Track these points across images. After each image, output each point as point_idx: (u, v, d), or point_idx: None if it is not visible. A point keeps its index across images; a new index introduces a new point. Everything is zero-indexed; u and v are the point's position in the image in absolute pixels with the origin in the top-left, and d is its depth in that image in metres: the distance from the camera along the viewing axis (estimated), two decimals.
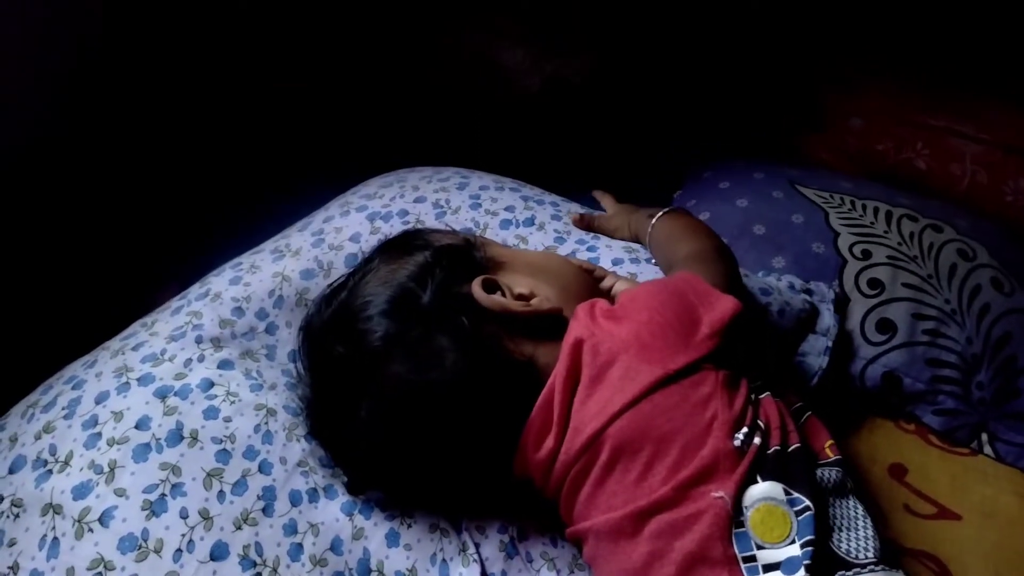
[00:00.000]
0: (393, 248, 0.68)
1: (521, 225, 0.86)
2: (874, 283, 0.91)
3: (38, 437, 0.62)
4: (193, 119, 1.23)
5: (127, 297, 0.89)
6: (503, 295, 0.63)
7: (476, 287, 0.62)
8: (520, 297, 0.64)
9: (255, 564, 0.57)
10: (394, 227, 0.84)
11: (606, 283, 0.75)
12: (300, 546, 0.59)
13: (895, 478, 0.82)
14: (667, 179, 1.14)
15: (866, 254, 0.93)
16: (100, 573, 0.54)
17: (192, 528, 0.57)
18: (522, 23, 1.34)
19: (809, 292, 0.88)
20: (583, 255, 0.83)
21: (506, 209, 0.87)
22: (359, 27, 1.34)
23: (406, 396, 0.58)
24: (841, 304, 0.90)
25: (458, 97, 1.36)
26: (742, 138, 1.24)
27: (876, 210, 0.99)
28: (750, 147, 1.19)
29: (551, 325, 0.62)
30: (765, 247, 0.96)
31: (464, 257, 0.66)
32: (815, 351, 0.83)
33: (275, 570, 0.57)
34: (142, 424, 0.62)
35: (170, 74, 1.19)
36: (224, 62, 1.26)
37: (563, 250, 0.84)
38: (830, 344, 0.83)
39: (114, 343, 0.71)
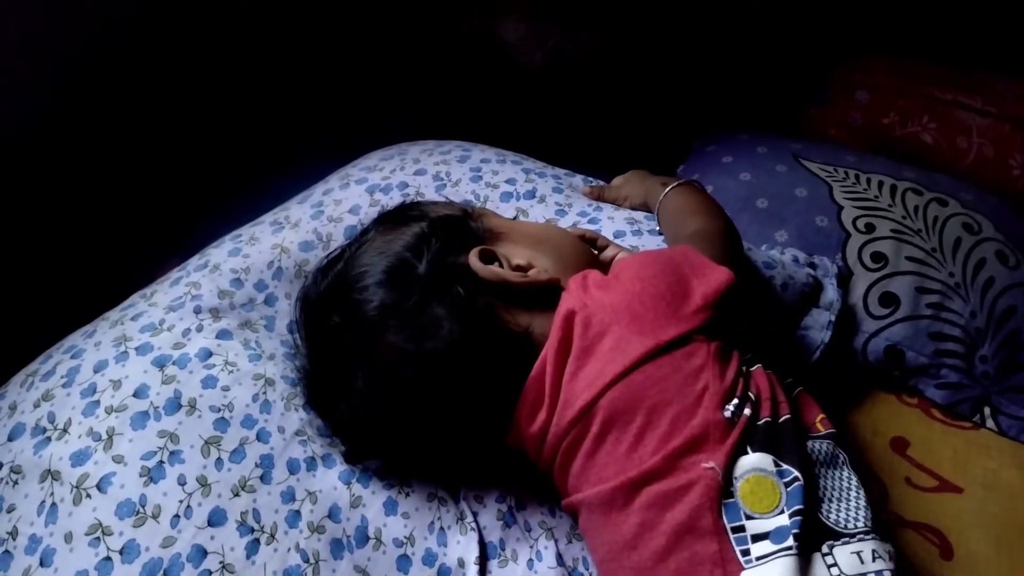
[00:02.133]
0: (390, 219, 0.68)
1: (522, 197, 0.86)
2: (877, 257, 0.90)
3: (37, 405, 0.62)
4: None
5: (129, 272, 0.89)
6: (500, 266, 0.63)
7: (473, 257, 0.62)
8: (518, 268, 0.63)
9: (253, 530, 0.57)
10: (393, 199, 0.83)
11: (607, 254, 0.74)
12: (298, 513, 0.59)
13: (897, 451, 0.82)
14: (671, 153, 1.13)
15: (870, 227, 0.92)
16: (98, 538, 0.54)
17: (190, 494, 0.57)
18: None
19: (813, 266, 0.88)
20: (584, 227, 0.83)
21: (507, 182, 0.87)
22: (360, 2, 1.33)
23: (402, 365, 0.58)
24: (844, 278, 0.89)
25: (460, 71, 1.35)
26: (747, 112, 1.23)
27: (880, 184, 0.98)
28: (755, 121, 1.18)
29: (548, 296, 0.62)
30: (768, 221, 0.95)
31: (461, 228, 0.66)
32: (818, 325, 0.83)
33: (272, 536, 0.57)
34: (140, 392, 0.62)
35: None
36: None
37: (564, 222, 0.84)
38: (833, 318, 0.83)
39: (113, 314, 0.71)
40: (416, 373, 0.58)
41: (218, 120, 1.25)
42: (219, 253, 0.77)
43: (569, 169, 0.95)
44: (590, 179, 0.92)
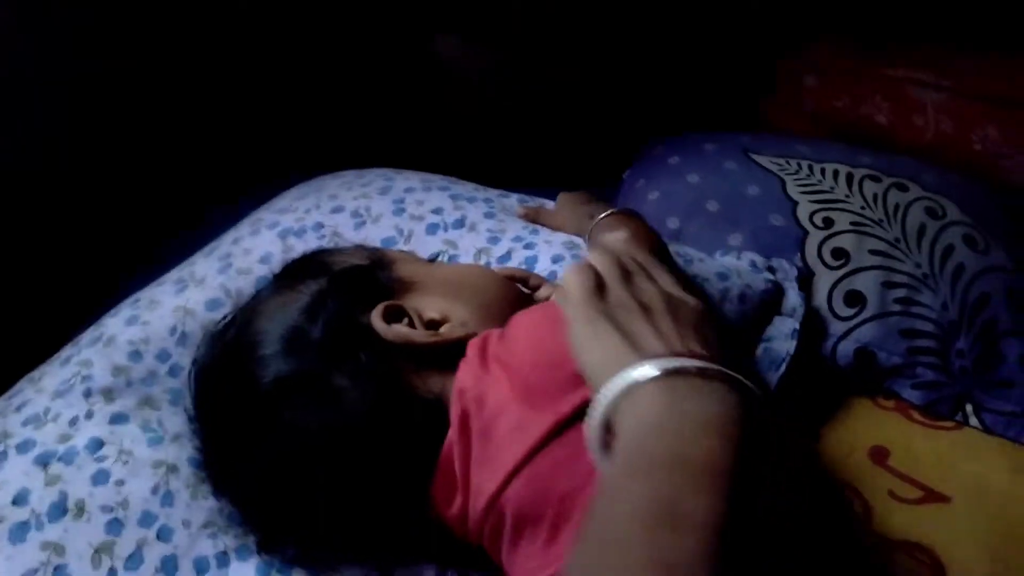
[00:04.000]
0: (287, 276, 0.62)
1: (450, 228, 0.79)
2: (838, 253, 0.84)
3: None
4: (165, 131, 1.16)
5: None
6: (410, 322, 0.56)
7: (376, 317, 0.56)
8: (431, 323, 0.57)
9: None
10: (308, 243, 0.77)
11: (541, 293, 0.67)
12: None
13: (877, 463, 0.76)
14: (618, 157, 1.07)
15: (828, 222, 0.87)
16: None
17: None
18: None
19: (772, 270, 0.82)
20: (520, 254, 0.76)
21: (433, 212, 0.80)
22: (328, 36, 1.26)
23: (303, 442, 0.52)
24: (806, 280, 0.83)
25: (399, 87, 1.29)
26: (695, 110, 1.16)
27: (836, 173, 0.92)
28: (704, 119, 1.12)
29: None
30: (720, 224, 0.89)
31: (366, 281, 0.59)
32: (781, 335, 0.77)
33: None
34: (20, 499, 0.55)
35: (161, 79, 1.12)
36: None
37: (498, 250, 0.77)
38: (797, 326, 0.77)
39: None
40: (320, 449, 0.52)
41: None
42: (115, 323, 0.70)
43: (514, 186, 0.89)
44: (526, 198, 0.85)
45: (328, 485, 0.52)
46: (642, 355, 0.40)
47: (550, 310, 0.55)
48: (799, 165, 0.94)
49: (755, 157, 0.96)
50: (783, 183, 0.92)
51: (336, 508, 0.53)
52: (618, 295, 0.44)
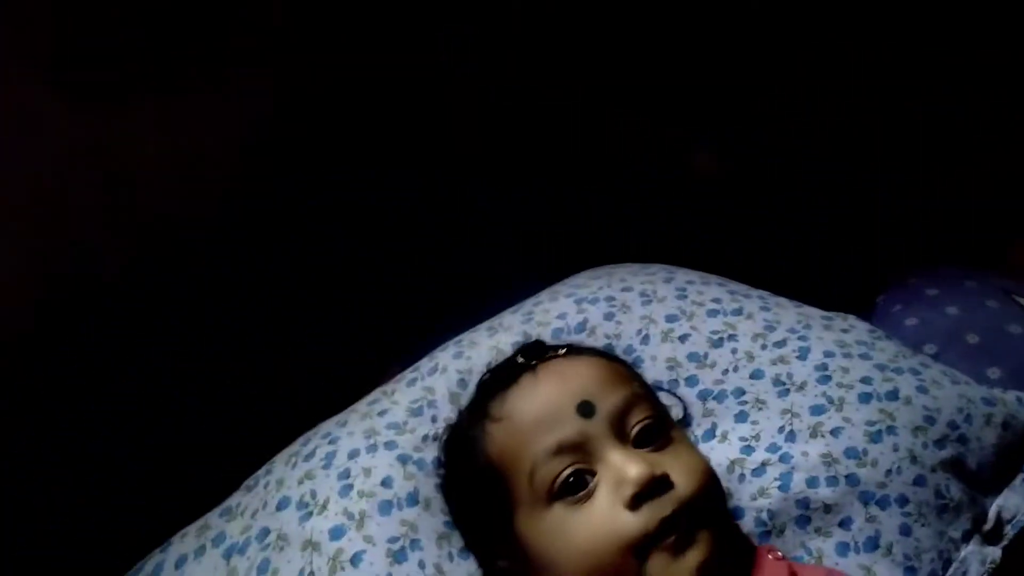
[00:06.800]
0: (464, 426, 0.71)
1: (729, 314, 0.87)
2: None
3: (300, 482, 0.71)
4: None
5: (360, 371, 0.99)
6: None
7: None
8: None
9: None
10: (600, 310, 0.88)
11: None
12: None
13: None
14: (866, 282, 1.12)
15: None
16: None
17: None
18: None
19: None
20: (794, 343, 0.82)
21: (712, 300, 0.89)
22: None
23: None
24: None
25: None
26: (946, 245, 1.20)
27: None
28: (957, 253, 1.16)
29: None
30: (979, 357, 0.93)
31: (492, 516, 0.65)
32: None
33: None
34: (386, 483, 0.69)
35: None
36: None
37: (773, 336, 0.84)
38: None
39: (361, 406, 0.80)
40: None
41: None
42: (445, 356, 0.85)
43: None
44: (799, 303, 0.92)
45: None
46: None
47: None
48: None
49: (1018, 299, 0.99)
50: None
51: None
52: None
